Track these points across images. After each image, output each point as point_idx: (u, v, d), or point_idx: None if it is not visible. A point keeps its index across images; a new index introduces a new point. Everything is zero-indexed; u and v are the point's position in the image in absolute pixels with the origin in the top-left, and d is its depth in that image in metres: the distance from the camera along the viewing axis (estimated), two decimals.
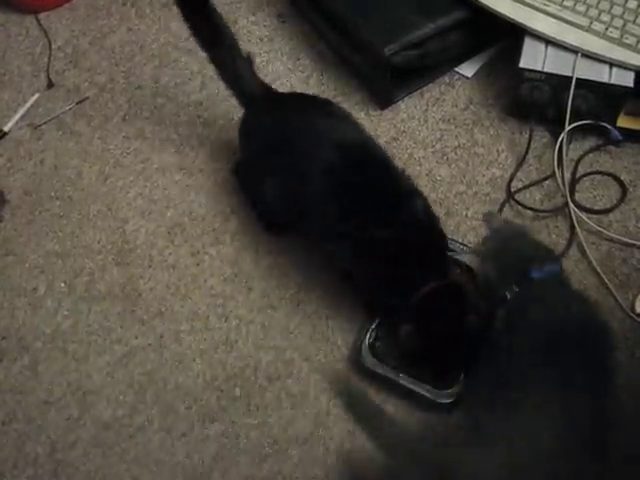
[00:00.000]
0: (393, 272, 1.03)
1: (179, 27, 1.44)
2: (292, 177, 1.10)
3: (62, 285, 1.26)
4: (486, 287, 1.07)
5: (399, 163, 1.13)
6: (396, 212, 1.04)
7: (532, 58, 1.23)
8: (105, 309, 1.23)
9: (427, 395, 1.08)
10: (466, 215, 1.25)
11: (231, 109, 1.35)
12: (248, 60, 1.18)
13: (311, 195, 1.08)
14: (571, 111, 1.22)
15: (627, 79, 1.20)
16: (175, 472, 1.11)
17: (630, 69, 1.20)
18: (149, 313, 1.22)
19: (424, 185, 1.27)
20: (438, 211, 1.20)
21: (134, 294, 1.24)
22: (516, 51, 1.24)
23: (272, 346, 1.18)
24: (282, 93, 1.25)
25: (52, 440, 1.15)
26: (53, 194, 1.35)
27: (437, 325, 1.03)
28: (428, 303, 1.03)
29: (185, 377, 1.16)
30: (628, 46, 1.21)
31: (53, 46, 1.52)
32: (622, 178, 1.25)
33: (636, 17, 1.23)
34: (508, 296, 1.02)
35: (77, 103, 1.45)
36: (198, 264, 1.25)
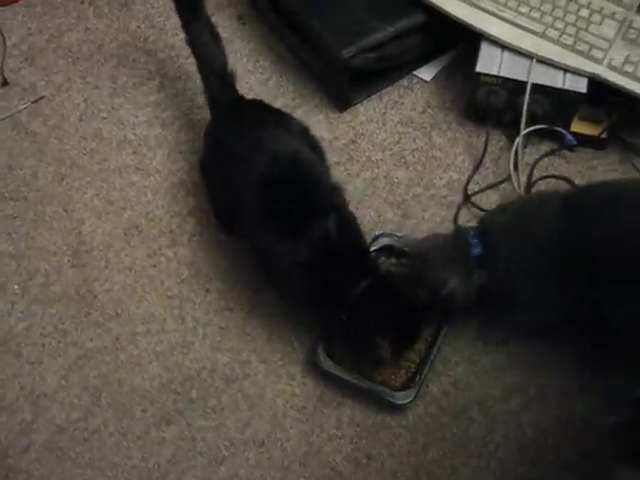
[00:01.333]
0: (316, 286, 1.06)
1: (138, 27, 1.47)
2: (232, 183, 1.12)
3: (16, 287, 1.25)
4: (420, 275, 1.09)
5: (357, 166, 1.17)
6: (309, 230, 1.06)
7: (489, 62, 1.24)
8: (60, 311, 1.22)
9: (384, 396, 1.09)
10: (423, 217, 1.26)
11: (189, 110, 1.36)
12: (229, 73, 1.22)
13: (241, 205, 1.10)
14: (527, 115, 1.24)
15: (580, 85, 1.22)
16: (131, 476, 1.11)
17: (583, 75, 1.23)
18: (105, 315, 1.22)
19: (382, 187, 1.28)
20: (395, 213, 1.25)
21: (90, 296, 1.23)
22: (474, 56, 1.26)
23: (229, 348, 1.18)
24: (248, 100, 1.25)
25: (3, 445, 1.14)
26: (7, 194, 1.33)
27: (375, 312, 1.06)
28: (362, 300, 1.06)
29: (141, 380, 1.16)
30: (581, 53, 1.24)
31: (8, 43, 1.50)
32: (576, 182, 1.25)
33: (588, 25, 1.26)
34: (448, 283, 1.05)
35: (33, 102, 1.43)
36: (155, 265, 1.25)
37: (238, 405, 1.14)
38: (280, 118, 1.19)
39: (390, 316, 1.06)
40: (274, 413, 1.13)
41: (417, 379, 1.10)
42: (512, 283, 1.05)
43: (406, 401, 1.09)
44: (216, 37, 1.21)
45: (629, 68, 1.21)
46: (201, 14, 1.20)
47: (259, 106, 1.22)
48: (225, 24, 1.48)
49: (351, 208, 1.13)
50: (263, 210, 1.07)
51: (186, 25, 1.21)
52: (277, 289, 1.15)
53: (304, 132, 1.18)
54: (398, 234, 1.22)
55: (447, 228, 1.22)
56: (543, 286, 1.03)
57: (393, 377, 1.12)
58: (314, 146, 1.17)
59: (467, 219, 1.25)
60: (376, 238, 1.21)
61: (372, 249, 1.19)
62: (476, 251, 1.05)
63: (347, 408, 1.13)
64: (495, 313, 1.12)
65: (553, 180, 1.27)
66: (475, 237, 1.06)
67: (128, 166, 1.35)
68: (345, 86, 1.34)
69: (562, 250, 1.00)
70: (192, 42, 1.22)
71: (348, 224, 1.10)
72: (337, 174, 1.24)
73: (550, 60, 1.24)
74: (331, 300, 1.07)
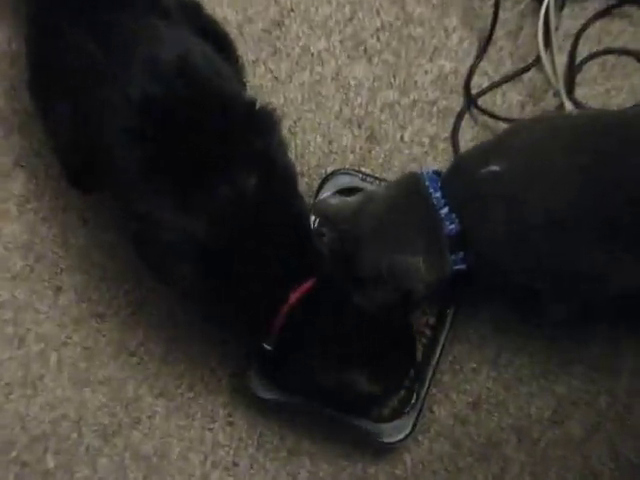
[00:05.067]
0: (218, 284, 0.83)
1: None
2: (86, 112, 0.89)
3: None
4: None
5: (287, 64, 0.98)
6: (210, 189, 0.84)
7: None
8: None
9: (364, 431, 0.86)
10: (402, 139, 1.03)
11: None
12: None
13: (103, 146, 0.87)
14: None
15: None
16: None
17: None
18: None
19: (331, 96, 1.05)
20: (356, 135, 1.01)
21: None
22: None
23: (102, 380, 0.95)
24: None
25: None
26: None
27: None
28: (302, 315, 0.83)
29: None
30: None
31: None
32: None
33: None
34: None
35: None
36: None
37: (126, 473, 0.93)
38: None
39: (359, 334, 0.84)
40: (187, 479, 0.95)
41: (414, 401, 0.89)
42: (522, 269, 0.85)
43: (399, 437, 0.88)
44: None
45: None
46: None
47: None
48: None
49: (284, 136, 0.89)
50: (137, 156, 0.85)
51: None
52: (159, 280, 0.92)
53: (193, 14, 0.96)
54: (363, 170, 1.01)
55: (442, 155, 1.00)
56: (577, 262, 0.83)
57: None
58: (214, 38, 0.96)
59: (472, 137, 1.01)
60: (326, 180, 0.99)
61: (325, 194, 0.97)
62: (451, 228, 0.85)
63: (304, 457, 0.92)
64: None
65: (612, 58, 1.05)
66: (445, 204, 0.85)
67: None
68: None
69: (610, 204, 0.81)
70: None
71: (277, 178, 0.88)
72: (256, 82, 1.05)
73: None
74: (246, 313, 0.85)
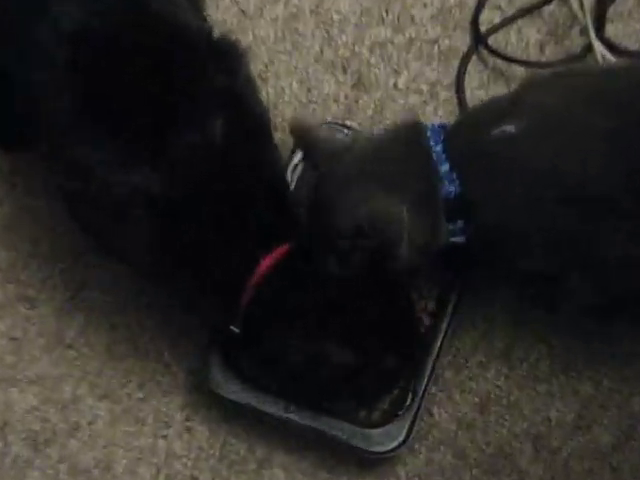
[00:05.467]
0: (176, 250, 0.74)
1: None
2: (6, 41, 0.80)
3: None
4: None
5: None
6: (167, 135, 0.74)
7: None
8: None
9: (349, 439, 0.77)
10: (395, 85, 0.93)
11: None
12: None
13: (30, 85, 0.77)
14: None
15: None
16: None
17: None
18: None
19: (309, 33, 0.95)
20: (340, 82, 0.91)
21: None
22: None
23: (33, 379, 0.85)
24: None
25: None
26: None
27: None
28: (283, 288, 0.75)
29: None
30: None
31: None
32: None
33: None
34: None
35: None
36: None
37: None
38: None
39: (341, 307, 0.74)
40: None
41: (409, 401, 0.79)
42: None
43: (391, 445, 0.79)
44: None
45: None
46: None
47: None
48: None
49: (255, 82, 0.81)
50: (71, 97, 0.73)
51: None
52: (104, 250, 0.83)
53: None
54: (349, 124, 0.92)
55: (444, 105, 0.90)
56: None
57: None
58: None
59: (480, 83, 0.91)
60: None
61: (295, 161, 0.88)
62: (450, 189, 0.76)
63: (277, 470, 0.82)
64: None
65: None
66: (446, 161, 0.76)
67: None
68: None
69: None
70: None
71: (246, 120, 0.78)
72: (219, 17, 0.95)
73: None
74: (209, 284, 0.76)
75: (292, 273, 0.77)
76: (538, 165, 0.75)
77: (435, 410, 0.85)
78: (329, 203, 0.80)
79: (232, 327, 0.77)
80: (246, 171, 0.77)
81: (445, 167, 0.77)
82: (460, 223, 0.78)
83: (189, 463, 0.85)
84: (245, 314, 0.76)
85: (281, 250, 0.76)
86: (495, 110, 0.81)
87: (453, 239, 0.79)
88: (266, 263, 0.75)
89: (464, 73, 0.95)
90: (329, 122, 0.92)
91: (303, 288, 0.76)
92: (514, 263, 0.80)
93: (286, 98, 0.93)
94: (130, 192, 0.72)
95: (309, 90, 0.95)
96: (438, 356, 0.84)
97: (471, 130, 0.81)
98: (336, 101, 0.94)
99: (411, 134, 0.81)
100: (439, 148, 0.78)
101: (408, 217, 0.76)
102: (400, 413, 0.81)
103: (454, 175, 0.76)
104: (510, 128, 0.76)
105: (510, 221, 0.77)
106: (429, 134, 0.80)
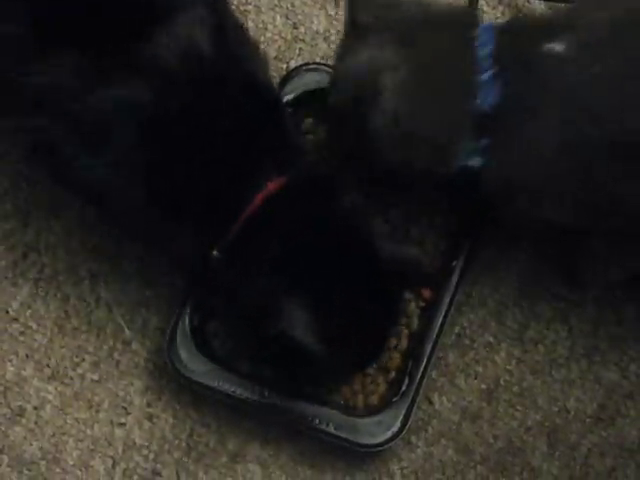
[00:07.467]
0: (156, 171, 0.67)
1: None
2: None
3: None
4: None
5: None
6: (148, 42, 0.67)
7: None
8: None
9: (335, 431, 0.70)
10: None
11: None
12: None
13: None
14: None
15: None
16: None
17: None
18: None
19: None
20: (328, 17, 0.82)
21: None
22: None
23: None
24: None
25: None
26: None
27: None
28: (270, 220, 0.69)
29: None
30: None
31: None
32: None
33: None
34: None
35: None
36: None
37: None
38: None
39: (324, 256, 0.67)
40: None
41: (405, 387, 0.72)
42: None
43: (384, 437, 0.71)
44: None
45: None
46: None
47: None
48: None
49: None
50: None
51: None
52: (69, 183, 0.73)
53: None
54: None
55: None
56: None
57: (354, 386, 0.75)
58: None
59: (497, 14, 0.82)
60: (288, 78, 0.80)
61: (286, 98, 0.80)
62: (488, 101, 0.67)
63: (253, 465, 0.74)
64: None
65: None
66: (490, 68, 0.67)
67: None
68: None
69: None
70: None
71: (235, 32, 0.71)
72: None
73: None
74: (195, 211, 0.69)
75: (280, 209, 0.69)
76: (585, 98, 0.67)
77: (435, 397, 0.78)
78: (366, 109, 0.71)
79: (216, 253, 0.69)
80: (240, 86, 0.70)
81: (487, 75, 0.68)
82: (484, 142, 0.69)
83: (150, 455, 0.78)
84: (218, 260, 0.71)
85: (277, 181, 0.70)
86: (549, 20, 0.74)
87: (469, 161, 0.70)
88: (260, 195, 0.69)
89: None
90: (318, 63, 0.84)
91: (286, 229, 0.69)
92: (540, 208, 0.70)
93: (268, 35, 0.85)
94: (115, 106, 0.67)
95: (295, 26, 0.87)
96: (439, 335, 0.76)
97: (522, 40, 0.72)
98: (326, 39, 0.87)
99: (458, 23, 0.73)
100: (487, 50, 0.69)
101: (410, 83, 0.68)
102: (394, 400, 0.74)
103: (493, 84, 0.69)
104: (560, 47, 0.68)
105: (542, 158, 0.68)
106: (480, 31, 0.72)
